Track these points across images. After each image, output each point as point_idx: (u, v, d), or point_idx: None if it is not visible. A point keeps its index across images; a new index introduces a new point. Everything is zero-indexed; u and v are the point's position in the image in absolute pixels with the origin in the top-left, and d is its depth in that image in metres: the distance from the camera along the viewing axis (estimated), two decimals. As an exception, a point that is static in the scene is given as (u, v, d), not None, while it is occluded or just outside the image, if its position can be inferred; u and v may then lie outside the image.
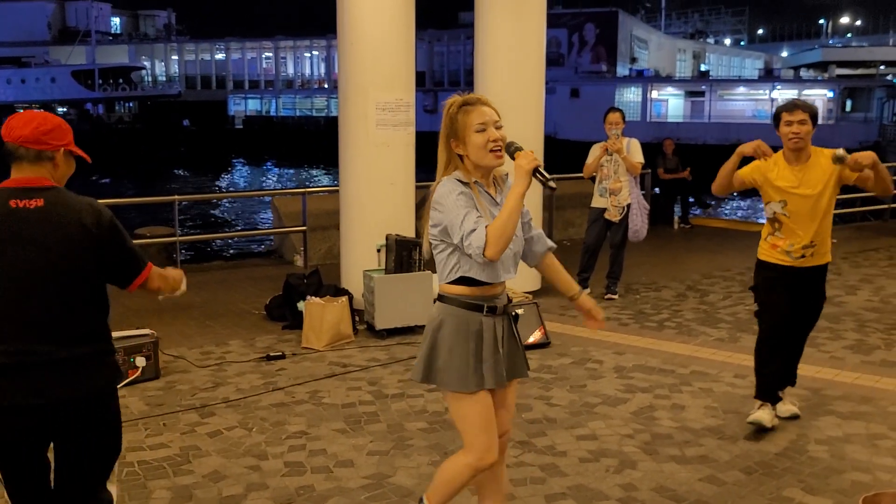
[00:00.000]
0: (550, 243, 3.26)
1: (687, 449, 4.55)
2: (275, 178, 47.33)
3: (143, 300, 8.18)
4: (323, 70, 70.83)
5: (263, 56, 73.29)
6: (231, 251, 16.40)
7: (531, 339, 6.48)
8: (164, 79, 75.23)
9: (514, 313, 3.14)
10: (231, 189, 42.20)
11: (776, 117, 4.53)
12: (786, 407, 4.91)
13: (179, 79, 74.02)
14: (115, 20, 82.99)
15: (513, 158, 2.92)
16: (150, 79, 74.92)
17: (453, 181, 2.95)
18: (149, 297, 8.14)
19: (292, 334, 6.85)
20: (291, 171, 48.52)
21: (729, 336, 6.87)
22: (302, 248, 10.03)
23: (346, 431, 4.79)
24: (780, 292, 4.63)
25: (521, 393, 5.48)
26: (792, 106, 4.50)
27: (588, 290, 8.25)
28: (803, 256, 4.56)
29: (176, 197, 9.77)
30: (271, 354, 6.24)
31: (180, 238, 9.96)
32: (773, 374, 4.70)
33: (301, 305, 6.81)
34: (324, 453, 4.48)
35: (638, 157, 7.99)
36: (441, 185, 2.96)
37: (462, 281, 2.97)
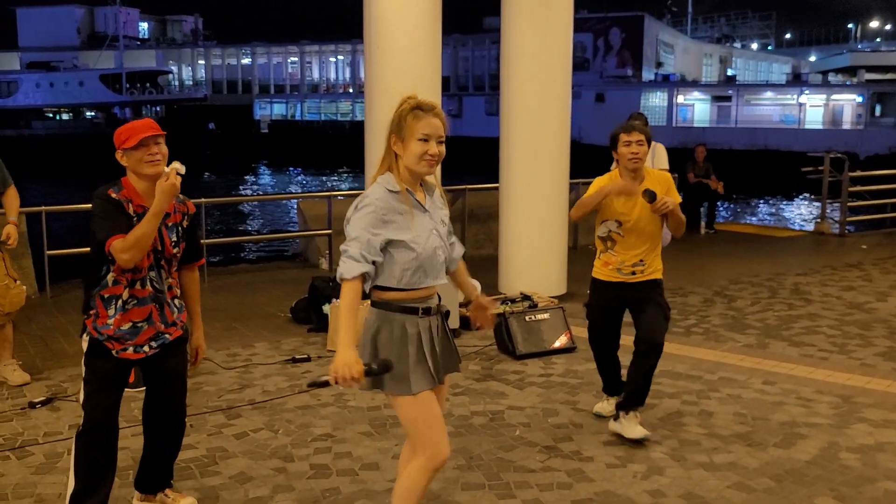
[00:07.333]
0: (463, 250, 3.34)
1: (715, 455, 4.50)
2: (300, 182, 47.50)
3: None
4: (348, 74, 71.13)
5: (289, 60, 73.75)
6: (257, 254, 16.48)
7: (557, 344, 6.45)
8: (190, 83, 75.88)
9: (445, 311, 3.20)
10: (258, 193, 42.45)
11: (614, 138, 4.59)
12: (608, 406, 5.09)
13: (206, 83, 74.63)
14: (143, 25, 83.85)
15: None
16: (176, 83, 75.62)
17: (382, 189, 2.98)
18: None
19: (318, 337, 6.86)
20: (317, 175, 48.68)
21: (757, 342, 6.79)
22: (327, 251, 10.05)
23: (372, 434, 4.79)
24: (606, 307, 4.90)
25: (547, 398, 5.46)
26: (630, 128, 4.58)
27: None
28: (633, 273, 4.66)
29: (203, 200, 9.83)
30: (297, 357, 6.26)
31: (206, 241, 10.02)
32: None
33: (327, 308, 6.83)
34: (349, 456, 4.48)
35: (663, 163, 7.94)
36: (372, 188, 3.01)
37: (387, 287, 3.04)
